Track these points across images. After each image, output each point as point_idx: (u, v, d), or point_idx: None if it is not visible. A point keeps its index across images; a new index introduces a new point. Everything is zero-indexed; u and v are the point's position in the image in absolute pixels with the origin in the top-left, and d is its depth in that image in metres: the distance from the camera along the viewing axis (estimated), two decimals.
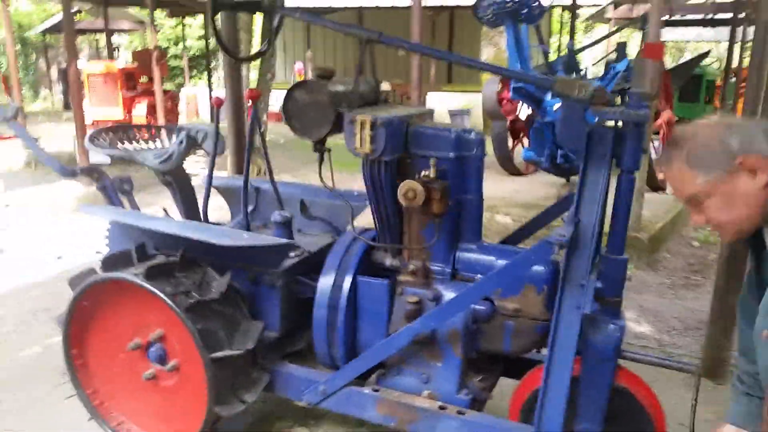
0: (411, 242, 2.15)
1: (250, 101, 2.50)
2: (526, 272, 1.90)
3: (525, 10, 5.12)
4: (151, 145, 2.73)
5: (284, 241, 2.13)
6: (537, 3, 5.10)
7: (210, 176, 2.48)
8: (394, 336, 2.03)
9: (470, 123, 12.40)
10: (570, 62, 7.33)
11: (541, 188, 7.39)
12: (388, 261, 2.21)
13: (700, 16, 11.36)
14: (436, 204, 1.97)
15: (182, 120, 13.17)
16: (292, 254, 2.31)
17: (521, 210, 6.12)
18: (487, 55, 13.50)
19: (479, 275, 2.11)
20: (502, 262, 2.10)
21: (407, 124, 2.05)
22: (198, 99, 15.73)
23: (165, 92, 10.16)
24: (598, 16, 12.25)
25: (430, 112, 2.26)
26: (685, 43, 18.41)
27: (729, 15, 9.39)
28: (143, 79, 10.54)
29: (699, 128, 1.54)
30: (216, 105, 2.53)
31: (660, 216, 5.92)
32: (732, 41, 9.19)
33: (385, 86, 17.44)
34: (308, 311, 2.38)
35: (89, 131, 3.10)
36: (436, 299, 2.10)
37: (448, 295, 2.09)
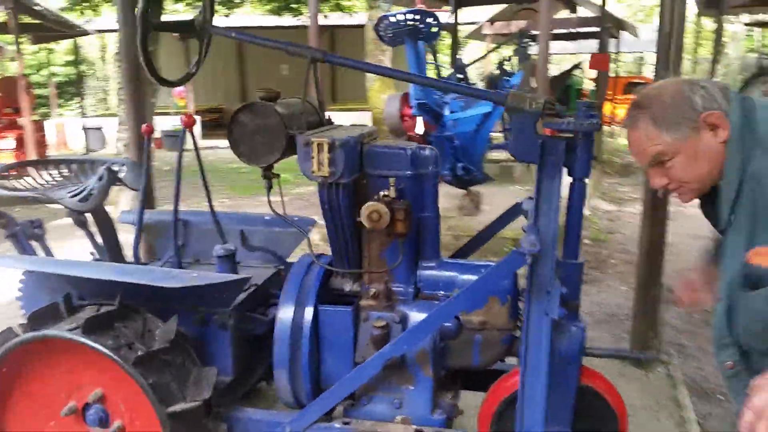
0: (371, 265, 2.09)
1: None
2: (497, 285, 1.90)
3: (424, 29, 5.25)
4: (60, 181, 2.45)
5: (240, 276, 1.98)
6: (435, 22, 5.24)
7: (141, 213, 2.27)
8: (364, 364, 1.94)
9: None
10: (463, 78, 7.62)
11: (442, 200, 7.59)
12: (348, 286, 2.13)
13: (564, 30, 12.32)
14: (401, 224, 1.93)
15: (51, 152, 12.17)
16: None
17: None
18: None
19: (442, 292, 2.09)
20: (464, 277, 2.09)
21: (361, 144, 2.00)
22: (65, 128, 14.65)
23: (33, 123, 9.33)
24: (476, 33, 12.84)
25: (375, 131, 2.22)
26: (551, 55, 19.86)
27: (596, 29, 10.21)
28: (7, 110, 9.61)
29: (662, 88, 1.56)
30: (145, 134, 2.32)
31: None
32: (602, 52, 10.03)
33: None
34: (258, 348, 2.25)
35: None
36: (402, 321, 2.05)
37: (414, 315, 2.05)
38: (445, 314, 1.89)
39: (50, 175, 2.45)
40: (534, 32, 8.99)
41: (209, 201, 2.36)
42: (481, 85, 8.44)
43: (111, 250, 2.44)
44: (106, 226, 2.42)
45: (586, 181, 1.99)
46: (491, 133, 5.85)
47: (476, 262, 2.20)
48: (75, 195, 2.26)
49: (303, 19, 12.13)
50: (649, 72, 23.26)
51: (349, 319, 2.05)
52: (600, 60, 2.29)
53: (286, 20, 13.78)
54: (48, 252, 2.36)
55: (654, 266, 3.04)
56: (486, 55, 8.78)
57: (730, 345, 1.57)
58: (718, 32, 11.24)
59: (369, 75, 13.79)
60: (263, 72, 20.07)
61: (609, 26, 10.49)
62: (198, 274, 2.04)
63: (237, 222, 2.54)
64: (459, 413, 2.09)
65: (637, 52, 22.65)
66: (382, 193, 1.97)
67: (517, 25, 10.07)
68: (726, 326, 1.54)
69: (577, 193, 1.97)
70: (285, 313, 2.06)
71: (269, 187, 2.11)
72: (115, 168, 2.36)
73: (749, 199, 1.46)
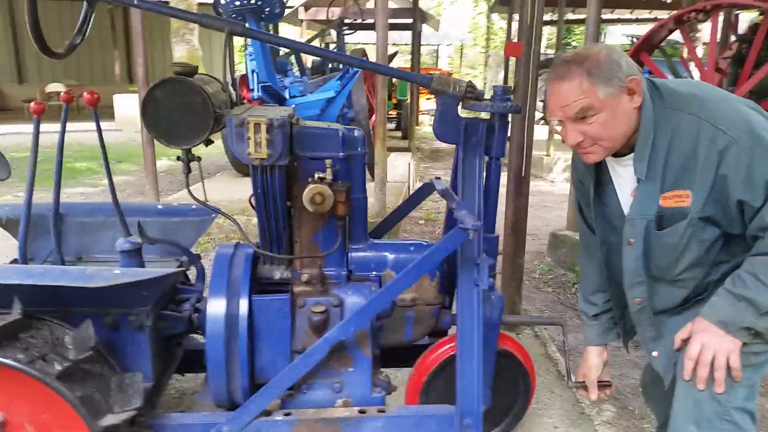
0: (303, 250, 2.04)
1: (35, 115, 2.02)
2: (438, 261, 1.97)
3: (267, 9, 5.12)
4: None
5: (172, 270, 1.80)
6: (278, 2, 5.14)
7: (29, 204, 1.93)
8: (310, 350, 1.90)
9: None
10: (297, 62, 7.56)
11: None
12: (278, 273, 2.05)
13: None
14: (342, 206, 1.91)
15: None
16: None
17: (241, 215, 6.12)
18: (179, 53, 12.86)
19: (374, 273, 2.12)
20: (394, 257, 2.14)
21: (291, 125, 1.93)
22: None
23: None
24: (291, 18, 12.74)
25: (293, 112, 2.15)
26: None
27: (410, 20, 10.76)
28: None
29: (592, 49, 1.63)
30: (35, 113, 1.94)
31: (392, 201, 6.57)
32: (414, 43, 10.60)
33: (57, 87, 15.44)
34: (166, 348, 2.09)
35: None
36: (339, 305, 2.04)
37: (350, 298, 2.05)
38: (392, 293, 1.92)
39: None
40: (348, 20, 9.24)
41: (112, 189, 2.08)
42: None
43: None
44: None
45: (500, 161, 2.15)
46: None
47: (403, 241, 2.26)
48: None
49: None
50: (444, 64, 25.13)
51: (286, 307, 1.99)
52: (514, 47, 2.43)
53: None
54: None
55: (519, 237, 3.37)
56: (314, 38, 8.82)
57: (641, 284, 1.77)
58: (509, 28, 12.54)
59: (176, 54, 13.00)
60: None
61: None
62: (120, 271, 1.81)
63: (128, 213, 2.27)
64: (393, 389, 2.14)
65: (432, 45, 24.30)
66: (317, 175, 1.93)
67: (329, 12, 10.27)
68: (642, 266, 1.74)
69: (494, 172, 2.12)
70: (216, 308, 1.92)
71: (188, 172, 1.94)
72: None
73: (662, 153, 1.62)
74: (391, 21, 11.92)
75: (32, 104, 1.98)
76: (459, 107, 2.03)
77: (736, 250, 1.66)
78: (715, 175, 1.55)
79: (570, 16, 14.09)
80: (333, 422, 1.97)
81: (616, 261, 1.83)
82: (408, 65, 13.50)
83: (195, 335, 2.32)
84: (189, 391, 2.72)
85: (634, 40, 15.98)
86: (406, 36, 14.26)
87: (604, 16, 14.31)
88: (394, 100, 12.90)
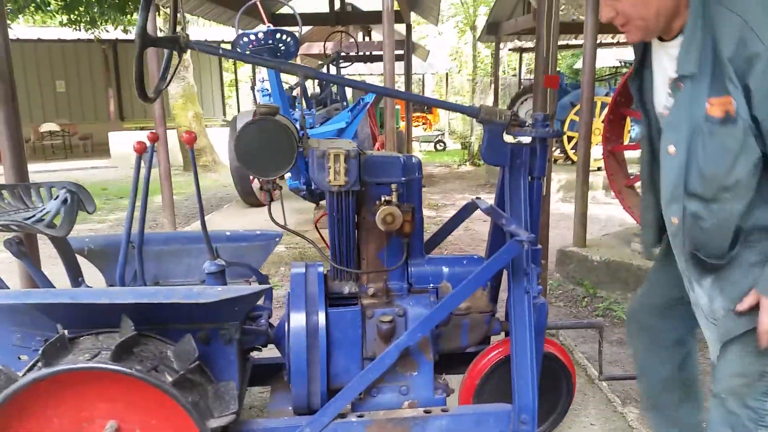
0: (370, 266, 2.26)
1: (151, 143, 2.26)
2: (495, 272, 2.19)
3: (283, 47, 5.40)
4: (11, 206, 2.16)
5: (263, 287, 2.00)
6: (292, 41, 5.42)
7: (142, 231, 2.14)
8: (383, 355, 2.11)
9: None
10: (304, 95, 7.84)
11: (289, 215, 7.73)
12: (347, 288, 2.26)
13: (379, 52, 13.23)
14: (408, 224, 2.14)
15: None
16: None
17: (288, 237, 6.32)
18: (175, 89, 13.14)
19: (431, 285, 2.34)
20: (447, 270, 2.36)
21: (359, 155, 2.16)
22: None
23: None
24: None
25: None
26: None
27: (401, 51, 11.16)
28: None
29: None
30: (151, 141, 2.14)
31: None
32: (407, 72, 10.98)
33: (51, 126, 15.58)
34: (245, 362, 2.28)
35: None
36: (404, 314, 2.25)
37: (411, 308, 2.27)
38: (453, 303, 2.14)
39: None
40: (343, 53, 9.60)
41: (202, 216, 2.29)
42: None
43: (75, 278, 2.22)
44: (68, 252, 2.20)
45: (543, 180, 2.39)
46: None
47: (455, 256, 2.48)
48: (36, 220, 2.04)
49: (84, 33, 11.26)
50: (429, 92, 25.70)
51: (358, 319, 2.20)
52: (551, 80, 2.65)
53: (66, 33, 12.67)
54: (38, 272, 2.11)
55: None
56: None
57: (679, 200, 1.70)
58: (496, 57, 13.00)
59: (172, 91, 13.27)
60: (38, 87, 17.98)
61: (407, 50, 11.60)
62: (221, 288, 2.01)
63: (201, 240, 2.48)
64: (452, 391, 2.35)
65: (418, 74, 24.88)
66: (384, 198, 2.16)
67: (319, 47, 10.65)
68: (682, 178, 1.66)
69: (537, 190, 2.36)
70: (298, 321, 2.12)
71: (270, 200, 2.16)
72: (74, 190, 2.17)
73: (709, 51, 1.54)
74: (377, 53, 12.31)
75: (135, 144, 2.19)
76: (504, 134, 2.28)
77: None
78: (742, 84, 1.49)
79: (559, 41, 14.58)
80: (402, 422, 2.17)
81: (657, 170, 1.79)
82: None
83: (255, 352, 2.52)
84: (247, 405, 2.89)
85: (625, 62, 16.45)
86: (398, 66, 14.73)
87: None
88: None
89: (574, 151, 10.32)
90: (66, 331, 1.81)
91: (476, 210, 2.59)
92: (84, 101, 18.91)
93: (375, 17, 11.33)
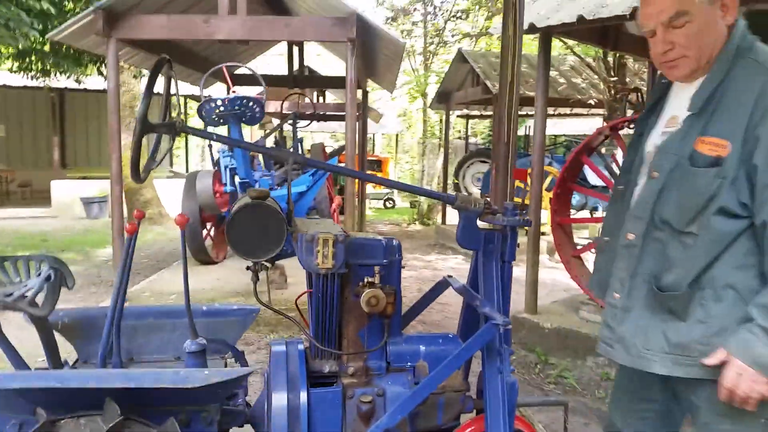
0: (349, 345, 2.32)
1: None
2: (472, 354, 2.29)
3: (249, 113, 5.51)
4: None
5: (249, 369, 2.02)
6: (257, 106, 5.55)
7: (120, 308, 2.13)
8: None
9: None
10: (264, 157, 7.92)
11: (241, 274, 7.66)
12: (327, 367, 2.31)
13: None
14: (390, 306, 2.22)
15: None
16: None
17: (241, 298, 6.27)
18: (125, 140, 12.98)
19: (409, 363, 2.41)
20: (426, 349, 2.45)
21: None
22: None
23: None
24: None
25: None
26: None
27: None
28: None
29: None
30: (130, 232, 2.16)
31: None
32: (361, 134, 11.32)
33: None
34: None
35: None
36: (383, 394, 2.30)
37: (390, 387, 2.33)
38: (432, 384, 2.21)
39: None
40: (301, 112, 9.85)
41: (186, 292, 2.30)
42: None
43: (54, 357, 2.17)
44: (48, 330, 2.16)
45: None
46: None
47: (431, 335, 2.57)
48: (17, 298, 2.02)
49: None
50: (377, 150, 26.26)
51: (338, 399, 2.24)
52: (520, 173, 2.79)
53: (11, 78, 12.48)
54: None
55: None
56: (272, 132, 9.37)
57: (641, 219, 1.79)
58: (446, 123, 13.54)
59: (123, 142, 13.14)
60: None
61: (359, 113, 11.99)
62: (207, 371, 2.02)
63: (173, 315, 2.49)
64: None
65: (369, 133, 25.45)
66: (367, 280, 2.24)
67: (276, 105, 10.90)
68: (652, 202, 1.75)
69: (507, 273, 2.51)
70: (279, 400, 2.15)
71: (256, 280, 2.21)
72: (56, 266, 2.16)
73: (719, 95, 1.65)
74: (340, 113, 12.71)
75: (127, 225, 2.21)
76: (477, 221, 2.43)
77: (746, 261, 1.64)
78: (752, 132, 1.56)
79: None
80: None
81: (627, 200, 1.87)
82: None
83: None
84: None
85: (568, 137, 17.38)
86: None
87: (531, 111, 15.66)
88: (338, 186, 13.47)
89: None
90: (45, 416, 1.78)
91: (448, 288, 2.71)
92: (24, 147, 18.35)
93: (331, 82, 11.71)
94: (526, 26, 5.76)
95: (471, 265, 2.57)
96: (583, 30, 5.67)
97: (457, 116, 18.12)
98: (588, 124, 18.13)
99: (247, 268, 2.23)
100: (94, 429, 1.81)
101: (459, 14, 17.91)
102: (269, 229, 2.11)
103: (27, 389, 1.79)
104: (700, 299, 1.72)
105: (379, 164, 18.42)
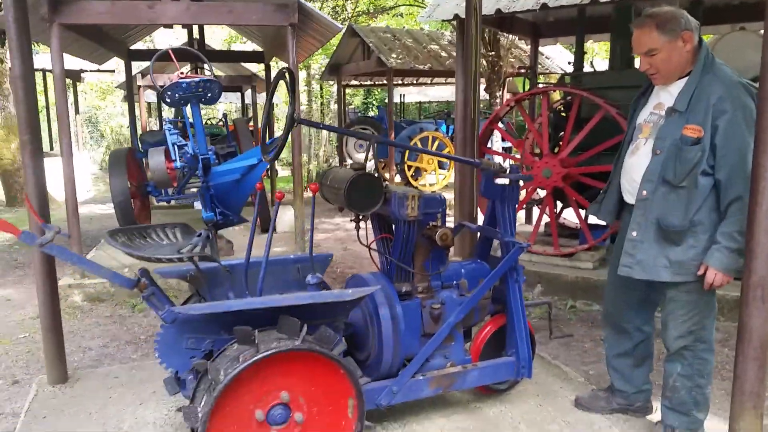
0: (419, 271, 3.21)
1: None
2: (505, 271, 3.27)
3: (209, 94, 5.98)
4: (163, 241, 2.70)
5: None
6: (217, 87, 6.03)
7: (268, 249, 2.84)
8: (440, 330, 3.08)
9: None
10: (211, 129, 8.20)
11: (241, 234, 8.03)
12: (404, 288, 3.18)
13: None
14: (452, 240, 3.14)
15: None
16: None
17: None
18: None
19: (454, 282, 3.34)
20: (463, 270, 3.40)
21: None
22: None
23: None
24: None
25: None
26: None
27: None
28: None
29: (665, 10, 2.53)
30: (279, 198, 2.80)
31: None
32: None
33: None
34: None
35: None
36: (444, 303, 3.23)
37: (448, 298, 3.26)
38: (481, 293, 3.19)
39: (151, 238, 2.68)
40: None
41: (311, 242, 2.99)
42: None
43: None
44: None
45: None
46: None
47: (465, 262, 3.52)
48: (193, 252, 2.65)
49: None
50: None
51: (418, 307, 3.14)
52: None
53: None
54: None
55: None
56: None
57: (651, 182, 2.60)
58: (340, 93, 14.30)
59: None
60: None
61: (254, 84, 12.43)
62: (341, 291, 2.78)
63: (277, 263, 3.22)
64: (470, 354, 3.38)
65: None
66: (432, 223, 3.14)
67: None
68: (658, 171, 2.58)
69: (513, 212, 3.51)
70: (385, 311, 3.01)
71: (358, 228, 3.03)
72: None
73: (695, 98, 2.50)
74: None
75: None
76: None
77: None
78: (713, 123, 2.45)
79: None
80: (450, 376, 3.16)
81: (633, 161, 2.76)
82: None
83: None
84: None
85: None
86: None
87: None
88: None
89: (415, 178, 11.98)
90: (256, 330, 2.50)
91: (464, 228, 3.69)
92: None
93: (242, 56, 12.02)
94: (450, 16, 6.77)
95: (486, 212, 3.54)
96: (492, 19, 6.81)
97: (344, 86, 18.91)
98: (449, 90, 19.77)
99: (351, 220, 3.02)
100: (272, 338, 2.54)
101: None
102: (374, 191, 2.92)
103: (237, 311, 2.49)
104: (691, 232, 2.60)
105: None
